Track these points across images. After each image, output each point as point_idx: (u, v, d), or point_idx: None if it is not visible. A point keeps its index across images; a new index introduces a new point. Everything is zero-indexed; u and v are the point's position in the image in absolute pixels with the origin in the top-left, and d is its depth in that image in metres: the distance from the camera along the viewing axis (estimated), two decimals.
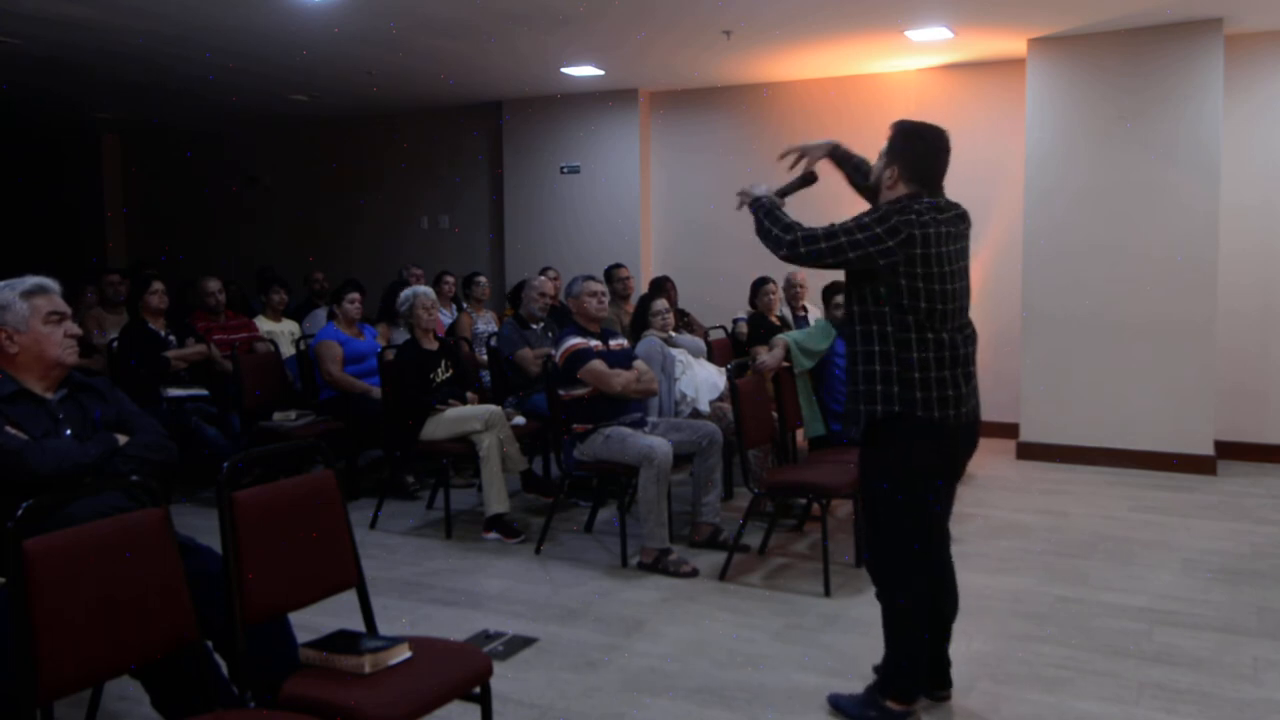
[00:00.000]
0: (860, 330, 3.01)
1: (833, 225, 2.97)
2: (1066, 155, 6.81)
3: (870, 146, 3.27)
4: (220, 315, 6.53)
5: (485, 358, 6.60)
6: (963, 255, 3.03)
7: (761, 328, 6.62)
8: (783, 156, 3.39)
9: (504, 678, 3.41)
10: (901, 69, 7.89)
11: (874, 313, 2.96)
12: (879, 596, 3.12)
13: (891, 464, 3.02)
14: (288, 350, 6.73)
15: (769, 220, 3.08)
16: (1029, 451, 6.99)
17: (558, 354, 4.90)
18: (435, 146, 10.02)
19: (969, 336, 3.05)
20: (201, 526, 2.97)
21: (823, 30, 6.66)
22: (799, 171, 3.36)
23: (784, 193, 3.25)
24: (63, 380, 2.82)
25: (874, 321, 2.97)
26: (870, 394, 2.97)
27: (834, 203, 3.89)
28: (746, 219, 3.17)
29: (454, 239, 10.03)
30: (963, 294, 3.02)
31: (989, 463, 6.82)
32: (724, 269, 8.13)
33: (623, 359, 4.98)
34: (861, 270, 2.97)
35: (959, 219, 3.04)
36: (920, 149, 3.03)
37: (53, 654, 2.06)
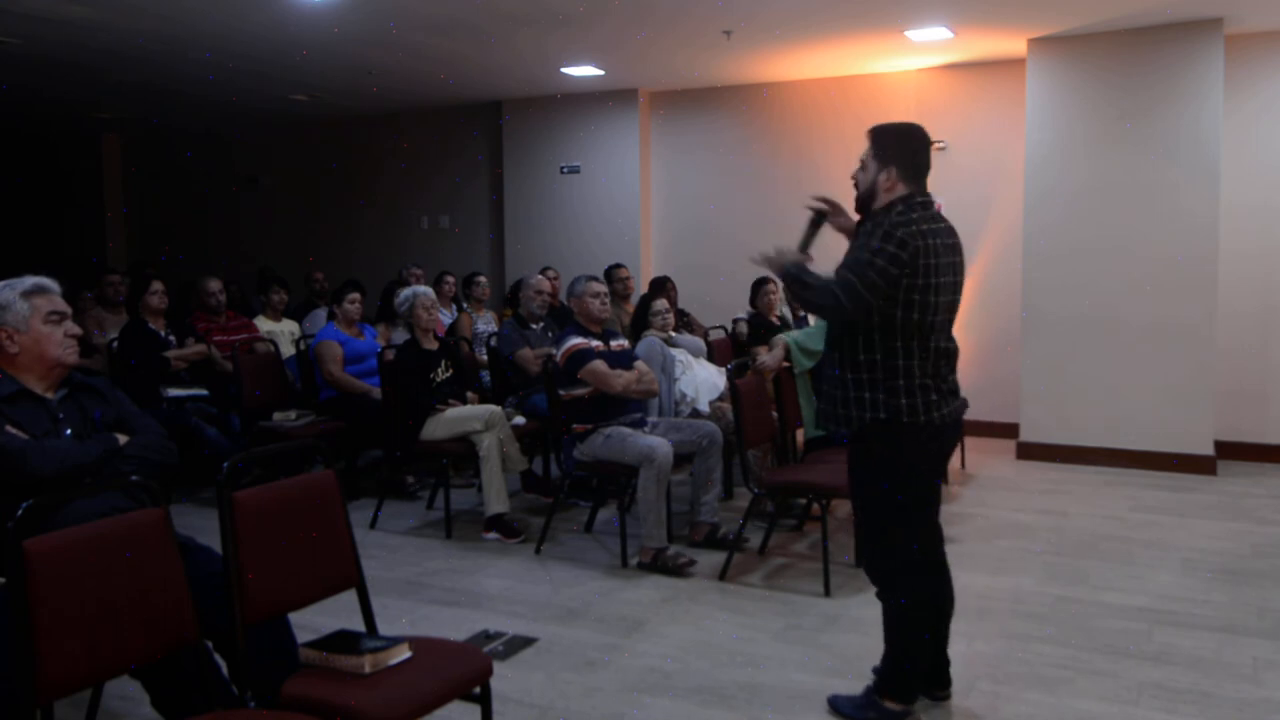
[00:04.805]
0: (848, 338, 3.00)
1: (851, 262, 2.91)
2: (1066, 155, 6.81)
3: None
4: (220, 315, 6.53)
5: (485, 358, 6.60)
6: (954, 270, 3.01)
7: (761, 328, 6.62)
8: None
9: (504, 678, 3.41)
10: (901, 69, 7.88)
11: (863, 322, 2.95)
12: (879, 595, 3.13)
13: (882, 466, 3.03)
14: (288, 350, 6.74)
15: (805, 290, 3.00)
16: (1029, 451, 6.98)
17: (559, 354, 4.90)
18: (435, 146, 10.02)
19: (952, 351, 3.06)
20: (201, 526, 2.97)
21: (823, 30, 6.66)
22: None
23: (805, 246, 3.15)
24: (63, 380, 2.83)
25: (861, 331, 2.97)
26: (860, 400, 2.98)
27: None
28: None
29: (454, 239, 10.02)
30: (950, 308, 3.02)
31: (989, 463, 6.82)
32: (724, 269, 8.11)
33: (624, 359, 4.98)
34: None
35: (950, 231, 3.05)
36: (913, 146, 3.06)
37: (53, 654, 2.06)
